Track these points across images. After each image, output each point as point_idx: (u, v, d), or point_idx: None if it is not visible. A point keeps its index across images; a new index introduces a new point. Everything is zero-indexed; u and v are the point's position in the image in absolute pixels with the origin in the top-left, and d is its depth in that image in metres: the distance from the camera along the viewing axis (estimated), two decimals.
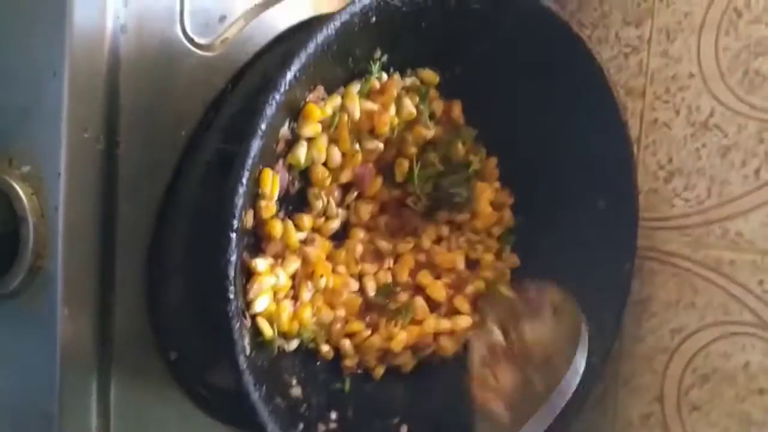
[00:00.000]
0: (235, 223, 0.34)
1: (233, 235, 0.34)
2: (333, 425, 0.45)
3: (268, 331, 0.41)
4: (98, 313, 0.42)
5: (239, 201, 0.34)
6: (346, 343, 0.46)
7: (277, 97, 0.35)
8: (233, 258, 0.34)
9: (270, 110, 0.34)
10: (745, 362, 0.52)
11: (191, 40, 0.43)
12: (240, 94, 0.45)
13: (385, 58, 0.45)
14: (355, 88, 0.44)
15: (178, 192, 0.43)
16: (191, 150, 0.44)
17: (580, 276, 0.54)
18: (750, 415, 0.51)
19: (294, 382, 0.44)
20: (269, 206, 0.39)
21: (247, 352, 0.36)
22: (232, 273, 0.34)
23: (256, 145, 0.34)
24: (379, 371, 0.49)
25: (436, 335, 0.51)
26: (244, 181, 0.34)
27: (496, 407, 0.45)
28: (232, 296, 0.34)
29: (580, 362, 0.45)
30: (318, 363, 0.46)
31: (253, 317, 0.40)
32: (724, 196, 0.53)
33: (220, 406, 0.47)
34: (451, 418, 0.51)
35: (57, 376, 0.41)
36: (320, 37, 0.37)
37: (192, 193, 0.43)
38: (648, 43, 0.57)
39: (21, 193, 0.40)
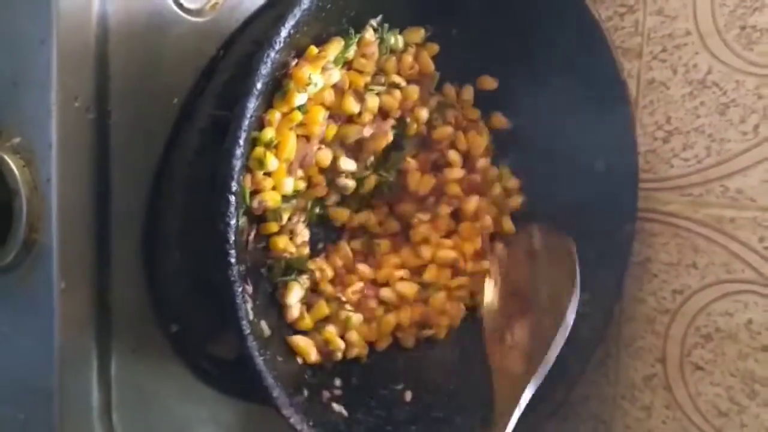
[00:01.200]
0: (234, 185, 0.33)
1: (232, 198, 0.33)
2: (337, 392, 0.44)
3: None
4: (96, 287, 0.42)
5: (237, 162, 0.33)
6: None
7: (272, 54, 0.34)
8: (233, 221, 0.33)
9: (265, 69, 0.34)
10: (748, 320, 0.52)
11: (181, 6, 0.43)
12: (232, 60, 0.44)
13: (379, 18, 0.44)
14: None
15: (173, 160, 0.43)
16: (184, 118, 0.43)
17: (581, 239, 0.53)
18: (754, 372, 0.51)
19: (300, 361, 0.43)
20: None
21: (250, 317, 0.36)
22: (232, 237, 0.34)
23: (252, 104, 0.33)
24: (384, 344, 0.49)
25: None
26: (242, 142, 0.33)
27: (513, 364, 0.46)
28: (233, 260, 0.34)
29: (576, 291, 0.47)
30: None
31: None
32: (723, 153, 0.53)
33: (222, 378, 0.47)
34: (454, 385, 0.51)
35: (55, 352, 0.41)
36: None
37: (187, 161, 0.42)
38: (643, 2, 0.56)
39: (12, 165, 0.40)
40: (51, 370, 0.41)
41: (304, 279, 0.45)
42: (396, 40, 0.46)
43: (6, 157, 0.40)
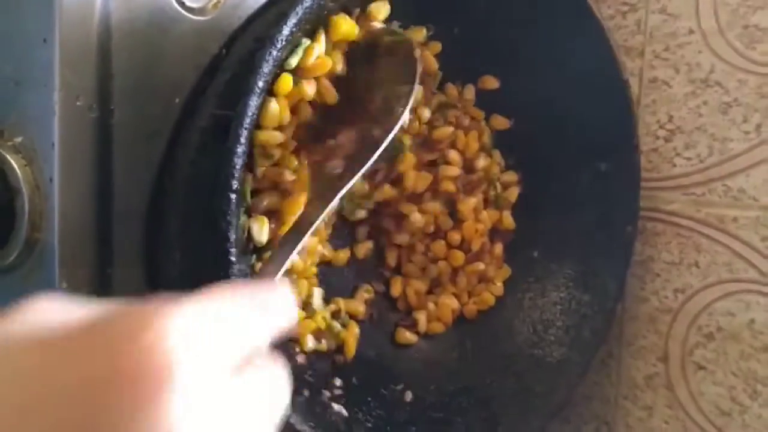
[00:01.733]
0: (235, 183, 0.33)
1: (233, 196, 0.33)
2: (338, 392, 0.44)
3: None
4: (97, 286, 0.42)
5: (238, 161, 0.33)
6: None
7: (274, 53, 0.34)
8: (234, 220, 0.33)
9: (267, 67, 0.34)
10: (750, 319, 0.51)
11: (183, 4, 0.43)
12: (234, 59, 0.44)
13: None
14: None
15: (174, 159, 0.43)
16: (186, 116, 0.43)
17: (583, 239, 0.53)
18: (756, 372, 0.51)
19: (297, 349, 0.43)
20: None
21: None
22: (233, 235, 0.34)
23: (253, 103, 0.33)
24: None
25: None
26: (243, 140, 0.33)
27: (330, 164, 0.42)
28: (234, 258, 0.34)
29: (413, 89, 0.43)
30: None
31: None
32: (726, 153, 0.53)
33: None
34: (454, 385, 0.51)
35: None
36: None
37: (188, 160, 0.42)
38: (646, 0, 0.56)
39: (14, 164, 0.40)
40: None
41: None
42: None
43: (8, 156, 0.40)
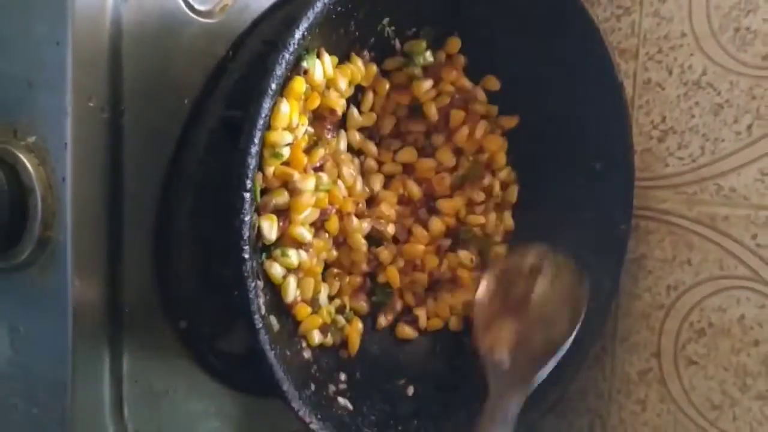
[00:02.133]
0: (249, 183, 0.34)
1: (247, 195, 0.34)
2: (342, 386, 0.45)
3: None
4: (108, 284, 0.43)
5: (252, 161, 0.34)
6: None
7: (287, 56, 0.35)
8: (247, 218, 0.34)
9: (279, 70, 0.35)
10: (740, 315, 0.53)
11: (191, 7, 0.43)
12: (241, 61, 0.45)
13: (386, 21, 0.45)
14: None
15: (183, 160, 0.43)
16: (195, 118, 0.44)
17: (577, 237, 0.55)
18: (746, 366, 0.53)
19: (304, 344, 0.44)
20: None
21: (262, 311, 0.37)
22: (246, 233, 0.34)
23: (267, 104, 0.34)
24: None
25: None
26: (256, 141, 0.34)
27: (499, 353, 0.48)
28: (247, 256, 0.35)
29: (581, 317, 0.49)
30: None
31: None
32: (717, 153, 0.54)
33: (230, 374, 0.48)
34: (456, 380, 0.52)
35: (69, 346, 0.41)
36: None
37: (197, 161, 0.43)
38: (640, 3, 0.58)
39: (27, 164, 0.40)
40: (65, 366, 0.41)
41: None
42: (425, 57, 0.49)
43: (21, 156, 0.40)
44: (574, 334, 0.48)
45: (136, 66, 0.42)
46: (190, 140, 0.44)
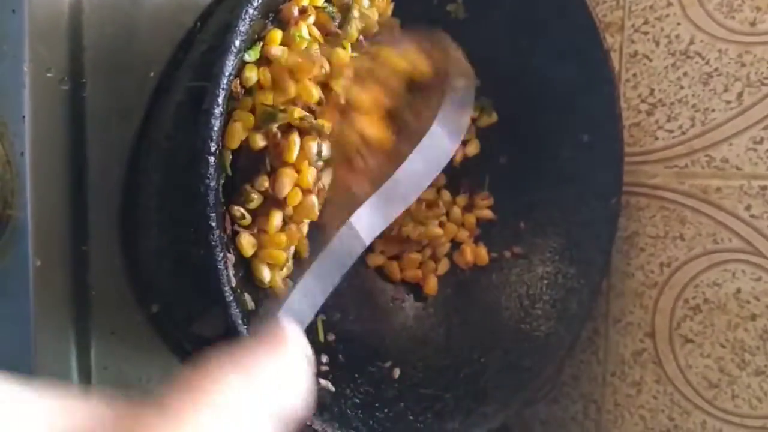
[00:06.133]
0: (213, 145, 0.32)
1: (212, 159, 0.32)
2: (324, 368, 0.43)
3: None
4: (73, 265, 0.41)
5: (216, 122, 0.32)
6: None
7: (251, 11, 0.33)
8: (213, 184, 0.32)
9: (243, 26, 0.33)
10: (736, 289, 0.51)
11: None
12: (209, 32, 0.43)
13: None
14: None
15: (150, 134, 0.42)
16: (161, 91, 0.42)
17: (567, 213, 0.53)
18: (743, 342, 0.51)
19: None
20: None
21: (233, 283, 0.34)
22: (212, 200, 0.32)
23: (230, 62, 0.32)
24: None
25: None
26: (221, 101, 0.32)
27: (358, 188, 0.38)
28: (214, 224, 0.33)
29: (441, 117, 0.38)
30: None
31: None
32: (708, 123, 0.52)
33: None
34: (442, 362, 0.50)
35: (31, 333, 0.39)
36: None
37: (164, 135, 0.41)
38: None
39: None
40: (27, 353, 0.39)
41: None
42: None
43: None
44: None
45: (97, 37, 0.40)
46: (156, 114, 0.42)
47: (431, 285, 0.53)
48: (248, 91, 0.37)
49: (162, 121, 0.42)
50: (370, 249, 0.51)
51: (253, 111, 0.37)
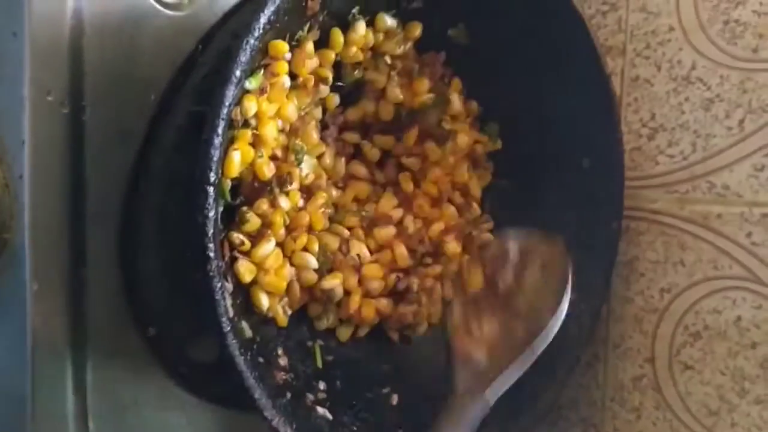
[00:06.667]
0: (212, 176, 0.32)
1: (211, 189, 0.32)
2: (321, 395, 0.43)
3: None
4: (70, 289, 0.41)
5: (215, 152, 0.32)
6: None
7: (252, 41, 0.33)
8: (211, 214, 0.32)
9: (244, 56, 0.33)
10: (737, 317, 0.51)
11: None
12: (211, 55, 0.43)
13: (356, 9, 0.43)
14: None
15: (149, 158, 0.42)
16: (161, 114, 0.42)
17: (567, 237, 0.52)
18: (743, 369, 0.51)
19: (280, 351, 0.42)
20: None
21: (230, 314, 0.34)
22: (211, 230, 0.32)
23: (231, 92, 0.32)
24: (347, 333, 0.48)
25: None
26: (220, 131, 0.32)
27: (476, 355, 0.44)
28: (212, 254, 0.32)
29: (564, 307, 0.45)
30: (305, 330, 0.44)
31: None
32: (709, 149, 0.52)
33: (202, 384, 0.45)
34: (441, 388, 0.50)
35: (28, 356, 0.39)
36: None
37: (164, 159, 0.41)
38: None
39: None
40: (23, 376, 0.39)
41: None
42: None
43: None
44: (558, 325, 0.45)
45: (98, 59, 0.40)
46: (156, 138, 0.42)
47: None
48: (246, 122, 0.37)
49: (162, 144, 0.42)
50: None
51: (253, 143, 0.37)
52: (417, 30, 0.48)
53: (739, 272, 0.51)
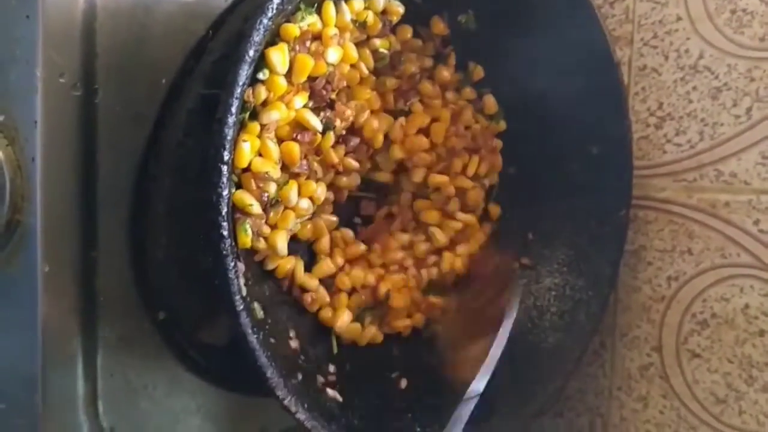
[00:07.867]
0: (226, 154, 0.32)
1: (225, 168, 0.32)
2: (331, 378, 0.43)
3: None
4: (81, 271, 0.41)
5: (229, 131, 0.32)
6: None
7: (265, 21, 0.33)
8: (225, 192, 0.32)
9: (257, 36, 0.33)
10: (744, 304, 0.51)
11: None
12: (221, 40, 0.43)
13: None
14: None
15: (161, 141, 0.42)
16: (173, 98, 0.42)
17: (575, 225, 0.53)
18: (751, 357, 0.51)
19: (292, 334, 0.42)
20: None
21: (243, 292, 0.34)
22: (224, 208, 0.32)
23: (244, 72, 0.32)
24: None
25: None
26: (234, 110, 0.32)
27: (470, 375, 0.44)
28: (226, 232, 0.32)
29: (512, 311, 0.46)
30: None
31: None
32: (716, 137, 0.52)
33: (212, 368, 0.45)
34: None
35: (39, 339, 0.39)
36: None
37: (175, 142, 0.41)
38: None
39: None
40: (34, 358, 0.39)
41: None
42: None
43: None
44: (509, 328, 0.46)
45: (110, 43, 0.40)
46: (168, 121, 0.42)
47: None
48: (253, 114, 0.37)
49: (173, 127, 0.42)
50: None
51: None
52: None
53: (746, 260, 0.51)
